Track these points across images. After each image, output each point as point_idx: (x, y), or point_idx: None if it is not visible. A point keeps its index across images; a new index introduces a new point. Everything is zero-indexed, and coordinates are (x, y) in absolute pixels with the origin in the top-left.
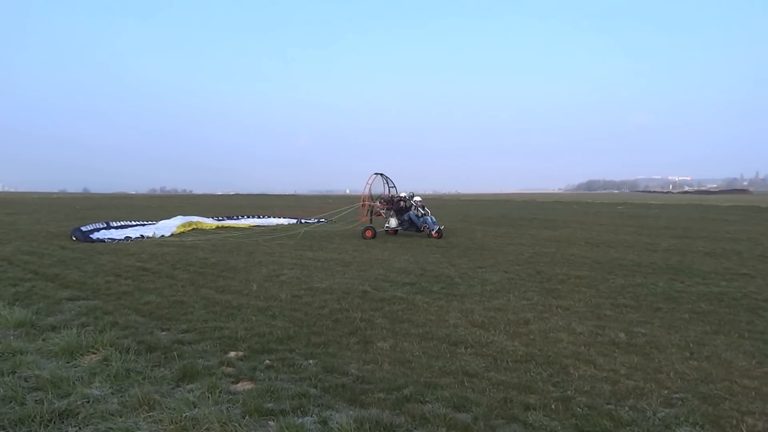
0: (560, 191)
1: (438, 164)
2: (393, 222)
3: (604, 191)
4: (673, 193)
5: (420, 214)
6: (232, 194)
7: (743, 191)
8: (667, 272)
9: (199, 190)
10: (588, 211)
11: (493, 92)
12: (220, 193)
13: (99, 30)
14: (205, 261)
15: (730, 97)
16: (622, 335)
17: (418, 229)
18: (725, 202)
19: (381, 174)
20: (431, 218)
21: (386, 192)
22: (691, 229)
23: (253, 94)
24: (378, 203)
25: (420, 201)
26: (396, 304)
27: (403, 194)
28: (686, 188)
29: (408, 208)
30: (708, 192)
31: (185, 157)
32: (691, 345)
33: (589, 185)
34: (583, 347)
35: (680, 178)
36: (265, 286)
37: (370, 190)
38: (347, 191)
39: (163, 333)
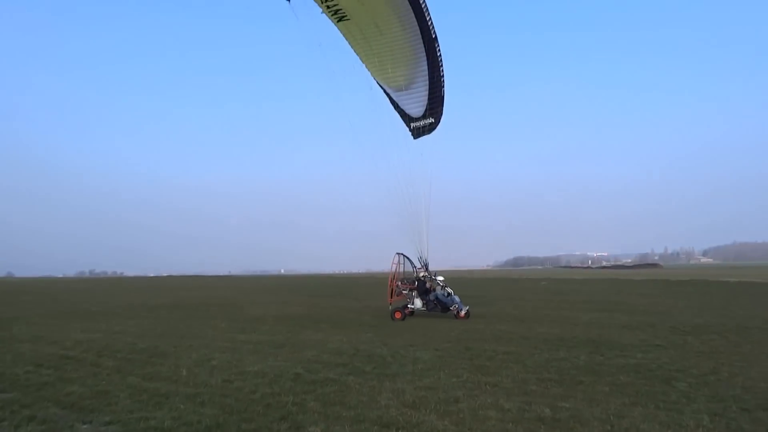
0: (489, 268)
1: (374, 244)
2: (418, 303)
3: (529, 267)
4: (591, 268)
5: (447, 294)
6: (165, 276)
7: (655, 265)
8: (588, 345)
9: (130, 272)
10: (515, 287)
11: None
12: (152, 275)
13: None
14: (133, 347)
15: (639, 180)
16: (548, 411)
17: (445, 310)
18: (639, 276)
19: (402, 254)
20: (458, 298)
21: (410, 271)
22: (609, 302)
23: (183, 173)
24: (400, 284)
25: (443, 280)
26: (328, 386)
27: (423, 274)
28: (604, 263)
29: (433, 288)
30: (623, 266)
31: (115, 238)
32: (611, 417)
33: (516, 262)
34: (510, 424)
35: (598, 254)
36: (195, 372)
37: (397, 270)
38: (282, 271)
39: (85, 426)
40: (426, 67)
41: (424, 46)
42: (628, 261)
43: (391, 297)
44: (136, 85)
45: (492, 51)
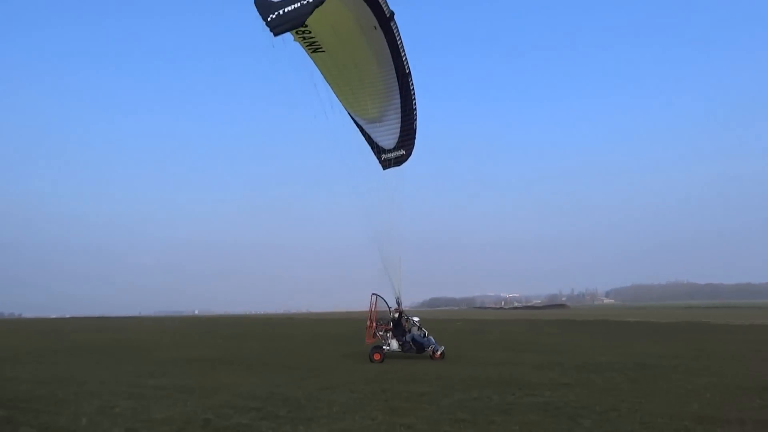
0: (406, 308)
1: (287, 283)
2: (394, 344)
3: (446, 308)
4: (504, 308)
5: (424, 334)
6: (68, 317)
7: (562, 306)
8: (501, 385)
9: (29, 314)
10: (431, 328)
11: (344, 209)
12: (54, 317)
13: None
14: (29, 393)
15: (545, 225)
16: None
17: (420, 350)
18: (548, 317)
19: (377, 294)
20: (433, 338)
21: (384, 311)
22: (520, 342)
23: (88, 213)
24: (375, 325)
25: (419, 321)
26: None
27: (397, 315)
28: (515, 304)
29: (408, 329)
30: (534, 307)
31: (14, 276)
32: None
33: (432, 302)
34: None
35: (510, 295)
36: (96, 421)
37: (374, 310)
38: (196, 311)
39: None
40: (399, 101)
41: (398, 81)
42: (538, 302)
43: (371, 338)
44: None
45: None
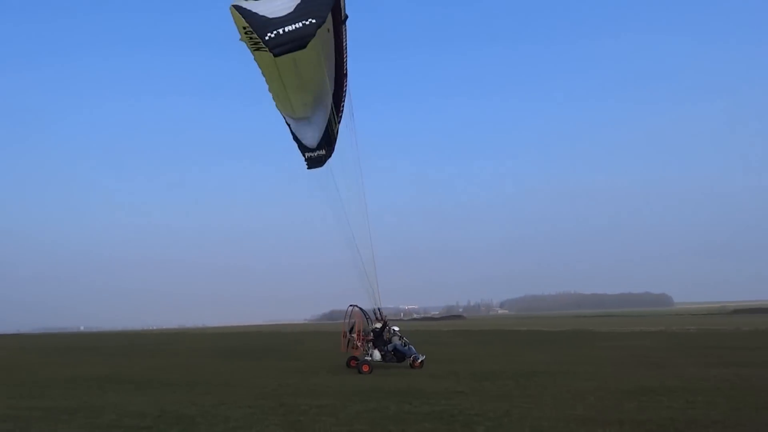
0: (306, 321)
1: (181, 297)
2: (376, 354)
3: (345, 320)
4: (404, 320)
5: (405, 343)
6: None
7: (459, 317)
8: (398, 395)
9: None
10: (330, 340)
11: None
12: None
13: None
14: None
15: (442, 237)
16: None
17: (401, 360)
18: (445, 327)
19: (357, 306)
20: (413, 348)
21: (365, 323)
22: (419, 352)
23: None
24: (355, 336)
25: (399, 330)
26: None
27: (378, 324)
28: (414, 315)
29: (389, 339)
30: (432, 318)
31: None
32: None
33: (332, 315)
34: None
35: (409, 307)
36: None
37: (348, 322)
38: (81, 328)
39: None
40: (330, 101)
41: (335, 81)
42: (436, 313)
43: (347, 348)
44: None
45: None
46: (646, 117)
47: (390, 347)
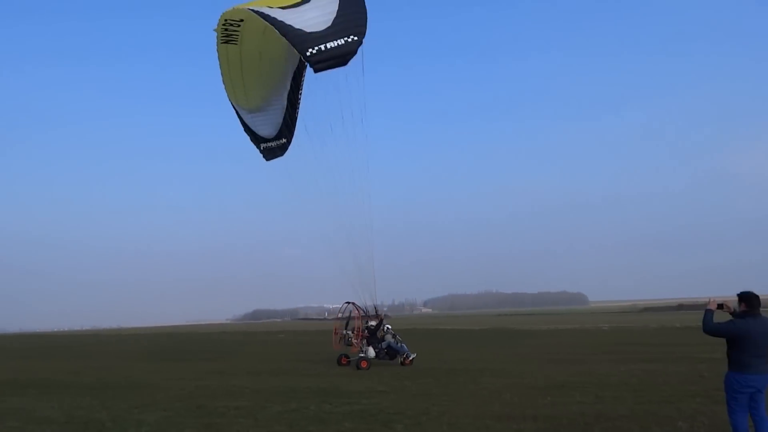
0: (228, 321)
1: (93, 298)
2: (371, 352)
3: (268, 320)
4: (328, 319)
5: (399, 341)
6: None
7: (385, 316)
8: (319, 395)
9: None
10: (252, 341)
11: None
12: None
13: None
14: None
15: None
16: None
17: (393, 357)
18: None
19: (353, 303)
20: (405, 346)
21: (360, 321)
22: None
23: None
24: (351, 333)
25: (391, 328)
26: None
27: (374, 322)
28: (339, 315)
29: (382, 337)
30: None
31: None
32: None
33: (255, 315)
34: None
35: (333, 306)
36: None
37: (342, 318)
38: None
39: None
40: (287, 90)
41: (295, 71)
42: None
43: (339, 345)
44: None
45: None
46: (562, 126)
47: (384, 345)
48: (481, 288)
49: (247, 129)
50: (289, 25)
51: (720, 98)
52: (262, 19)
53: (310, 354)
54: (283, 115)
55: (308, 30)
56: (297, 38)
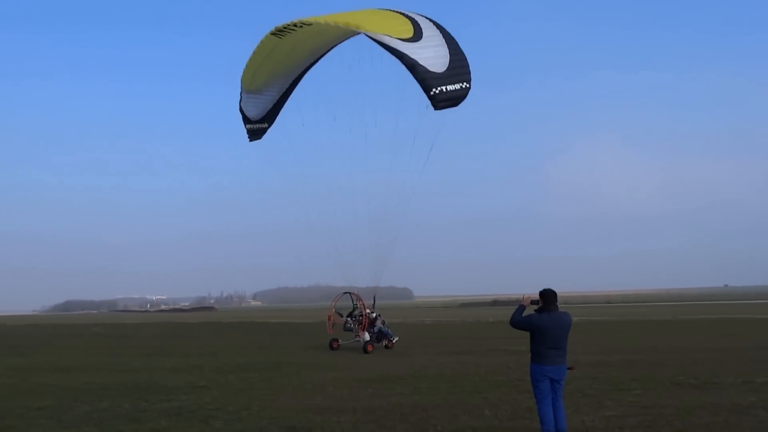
0: (35, 313)
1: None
2: (366, 336)
3: (82, 312)
4: (150, 311)
5: (387, 326)
6: None
7: (211, 308)
8: (135, 392)
9: None
10: (63, 334)
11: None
12: None
13: None
14: None
15: (193, 225)
16: None
17: (380, 341)
18: (195, 319)
19: (350, 292)
20: (390, 330)
21: (355, 308)
22: (164, 346)
23: None
24: (350, 319)
25: (379, 314)
26: None
27: (368, 310)
28: (163, 306)
29: (373, 323)
30: (181, 309)
31: None
32: None
33: (67, 306)
34: None
35: (157, 297)
36: None
37: (334, 306)
38: None
39: None
40: (289, 82)
41: (304, 70)
42: (186, 304)
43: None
44: None
45: None
46: None
47: (376, 329)
48: (312, 281)
49: (240, 109)
50: (415, 60)
51: None
52: (321, 22)
53: (128, 348)
54: (273, 101)
55: (431, 69)
56: (423, 75)
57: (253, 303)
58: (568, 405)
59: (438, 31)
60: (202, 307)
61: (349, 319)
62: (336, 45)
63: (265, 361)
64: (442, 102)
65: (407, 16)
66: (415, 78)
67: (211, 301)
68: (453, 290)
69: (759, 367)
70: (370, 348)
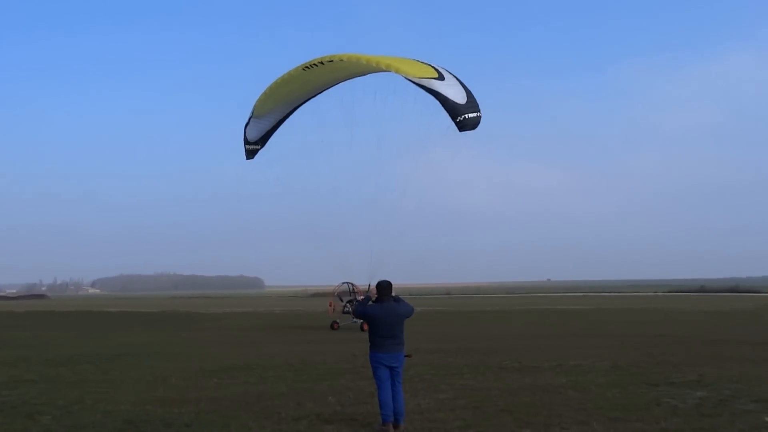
0: None
1: None
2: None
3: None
4: None
5: None
6: None
7: (42, 296)
8: None
9: None
10: None
11: None
12: None
13: None
14: None
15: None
16: None
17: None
18: (22, 308)
19: (349, 282)
20: None
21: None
22: None
23: None
24: (349, 304)
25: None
26: None
27: (361, 297)
28: (335, 289)
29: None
30: (8, 297)
31: None
32: None
33: None
34: None
35: None
36: None
37: (336, 294)
38: None
39: None
40: (289, 110)
41: (306, 99)
42: (14, 291)
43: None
44: None
45: None
46: None
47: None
48: (157, 269)
49: (244, 131)
50: (445, 95)
51: None
52: (353, 60)
53: None
54: (270, 126)
55: (455, 101)
56: (453, 105)
57: (92, 291)
58: (407, 389)
59: (452, 74)
60: (31, 295)
61: (348, 304)
62: (348, 80)
63: (101, 352)
64: (464, 127)
65: (425, 63)
66: (445, 107)
67: (43, 288)
68: (304, 280)
69: (571, 353)
70: (365, 327)
